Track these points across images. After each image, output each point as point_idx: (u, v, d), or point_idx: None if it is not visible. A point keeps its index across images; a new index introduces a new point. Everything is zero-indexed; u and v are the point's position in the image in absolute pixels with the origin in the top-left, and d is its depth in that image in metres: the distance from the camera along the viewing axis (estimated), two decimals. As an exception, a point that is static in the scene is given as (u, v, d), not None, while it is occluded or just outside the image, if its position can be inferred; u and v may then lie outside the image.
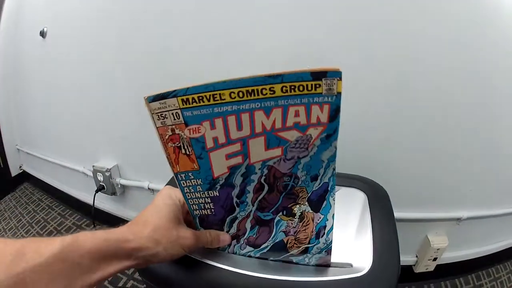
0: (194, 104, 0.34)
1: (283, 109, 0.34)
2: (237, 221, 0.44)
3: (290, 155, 0.38)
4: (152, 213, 0.39)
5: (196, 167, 0.39)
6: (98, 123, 1.13)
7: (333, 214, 0.42)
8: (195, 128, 0.36)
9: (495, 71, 0.88)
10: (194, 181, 0.40)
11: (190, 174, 0.40)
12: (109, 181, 1.09)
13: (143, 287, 1.08)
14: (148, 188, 1.09)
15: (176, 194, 0.42)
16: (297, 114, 0.34)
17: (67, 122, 1.24)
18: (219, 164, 0.39)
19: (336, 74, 0.31)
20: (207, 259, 0.45)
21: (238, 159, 0.38)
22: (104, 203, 1.26)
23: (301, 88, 0.32)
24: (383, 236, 0.49)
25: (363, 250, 0.47)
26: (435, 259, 1.07)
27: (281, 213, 0.43)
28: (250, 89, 0.33)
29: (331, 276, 0.42)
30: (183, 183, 0.40)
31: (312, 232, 0.44)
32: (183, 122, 0.35)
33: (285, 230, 0.44)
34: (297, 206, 0.42)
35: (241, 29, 0.84)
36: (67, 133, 1.27)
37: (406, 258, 1.12)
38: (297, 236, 0.44)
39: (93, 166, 1.11)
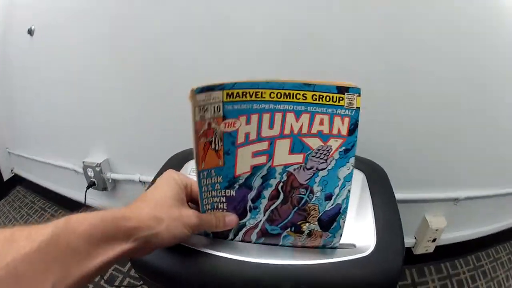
0: (238, 99, 0.36)
1: (310, 115, 0.38)
2: (244, 229, 0.45)
3: (310, 164, 0.41)
4: (153, 192, 0.37)
5: (221, 163, 0.40)
6: (87, 118, 1.11)
7: (341, 233, 0.44)
8: (232, 122, 0.38)
9: (489, 58, 0.88)
10: (214, 179, 0.41)
11: (212, 171, 0.41)
12: (100, 176, 1.07)
13: (140, 284, 1.06)
14: (139, 181, 1.07)
15: (179, 176, 0.41)
16: (321, 122, 0.38)
17: (56, 120, 1.22)
18: (244, 162, 0.40)
19: (356, 91, 0.37)
20: (205, 248, 0.43)
21: (262, 159, 0.40)
22: (95, 199, 1.24)
23: (327, 98, 0.37)
24: (385, 215, 0.49)
25: (366, 230, 0.46)
26: (434, 240, 1.07)
27: (289, 229, 0.44)
28: (287, 92, 0.37)
29: (336, 257, 0.42)
30: (203, 181, 0.41)
31: (318, 244, 0.45)
32: (221, 115, 0.37)
33: (291, 243, 0.45)
34: (307, 224, 0.44)
35: (235, 10, 0.82)
36: (56, 131, 1.25)
37: (405, 240, 1.11)
38: (304, 246, 0.46)
39: (83, 162, 1.09)
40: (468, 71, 0.88)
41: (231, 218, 0.42)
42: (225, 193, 0.42)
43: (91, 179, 1.09)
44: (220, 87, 0.35)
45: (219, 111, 0.37)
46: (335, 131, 0.39)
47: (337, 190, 0.42)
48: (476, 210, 1.13)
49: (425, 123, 0.93)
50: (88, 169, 1.08)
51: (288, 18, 0.81)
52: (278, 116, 0.38)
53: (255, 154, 0.40)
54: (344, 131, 0.39)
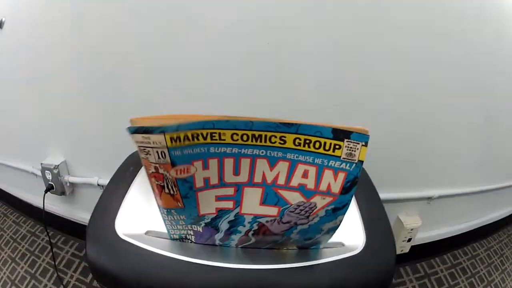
0: (186, 143, 0.28)
1: (290, 164, 0.29)
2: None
3: (286, 219, 0.33)
4: None
5: (180, 205, 0.34)
6: (44, 117, 1.04)
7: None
8: (184, 168, 0.30)
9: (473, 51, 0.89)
10: (177, 216, 0.36)
11: (173, 211, 0.35)
12: (58, 179, 1.00)
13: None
14: (98, 184, 1.01)
15: None
16: (305, 174, 0.30)
17: (14, 119, 1.14)
18: (207, 204, 0.34)
19: (362, 138, 0.27)
20: (177, 253, 0.38)
21: (228, 204, 0.34)
22: (55, 205, 1.17)
23: (317, 144, 0.28)
24: (371, 212, 0.46)
25: (353, 228, 0.43)
26: (409, 239, 1.05)
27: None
28: (257, 133, 0.28)
29: (324, 258, 0.38)
30: (165, 216, 0.36)
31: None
32: (169, 162, 0.29)
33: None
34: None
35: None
36: (15, 131, 1.17)
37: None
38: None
39: (41, 163, 1.02)
40: (440, 70, 0.88)
41: None
42: (191, 227, 0.37)
43: (49, 182, 1.02)
44: (160, 129, 0.27)
45: (164, 158, 0.29)
46: (323, 187, 0.30)
47: (318, 236, 0.36)
48: (450, 208, 1.13)
49: (397, 123, 0.91)
50: (46, 171, 1.01)
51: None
52: (245, 162, 0.30)
53: (219, 198, 0.33)
54: (335, 189, 0.30)
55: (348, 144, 0.27)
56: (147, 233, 0.42)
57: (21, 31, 1.00)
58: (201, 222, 0.36)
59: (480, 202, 1.19)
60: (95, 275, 0.41)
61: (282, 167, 0.30)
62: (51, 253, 1.10)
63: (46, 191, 1.02)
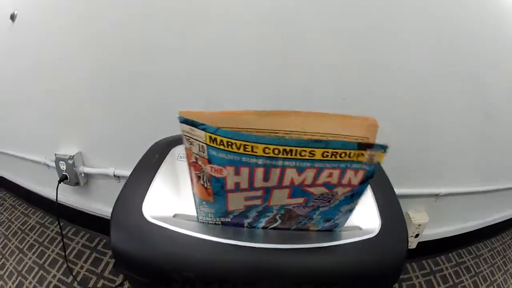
0: (222, 147, 0.30)
1: (317, 170, 0.32)
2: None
3: (311, 204, 0.37)
4: None
5: (211, 200, 0.37)
6: (58, 109, 1.05)
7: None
8: (218, 169, 0.32)
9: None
10: (206, 209, 0.39)
11: (204, 203, 0.38)
12: (73, 169, 1.01)
13: (116, 286, 1.00)
14: (114, 175, 1.01)
15: None
16: (330, 175, 0.33)
17: (26, 111, 1.15)
18: (236, 202, 0.37)
19: (382, 148, 0.31)
20: (197, 232, 0.40)
21: (257, 201, 0.36)
22: (67, 196, 1.17)
23: (343, 155, 0.31)
24: (386, 200, 0.49)
25: (369, 213, 0.46)
26: (417, 235, 1.07)
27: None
28: (288, 148, 0.30)
29: (344, 239, 0.40)
30: (196, 203, 0.40)
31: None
32: (206, 158, 0.32)
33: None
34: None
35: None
36: (27, 122, 1.18)
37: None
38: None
39: (55, 154, 1.03)
40: (446, 70, 0.89)
41: None
42: (219, 220, 0.41)
43: (63, 173, 1.03)
44: (202, 126, 0.30)
45: (203, 152, 0.31)
46: (344, 181, 0.34)
47: (337, 217, 0.40)
48: (456, 206, 1.14)
49: (406, 119, 0.92)
50: (61, 162, 1.02)
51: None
52: (274, 171, 0.32)
53: (248, 198, 0.36)
54: (355, 182, 0.34)
55: (371, 152, 0.31)
56: (175, 216, 0.43)
57: (34, 24, 1.00)
58: (229, 215, 0.39)
59: (485, 202, 1.20)
60: (119, 261, 0.41)
61: (310, 173, 0.32)
62: (61, 244, 1.09)
63: (60, 181, 1.03)
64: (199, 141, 0.31)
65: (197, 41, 0.83)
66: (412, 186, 1.02)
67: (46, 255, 1.09)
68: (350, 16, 0.80)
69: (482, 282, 1.10)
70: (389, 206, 0.48)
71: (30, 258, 1.08)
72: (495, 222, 1.28)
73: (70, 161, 1.01)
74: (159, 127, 0.62)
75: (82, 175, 1.06)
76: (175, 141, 0.59)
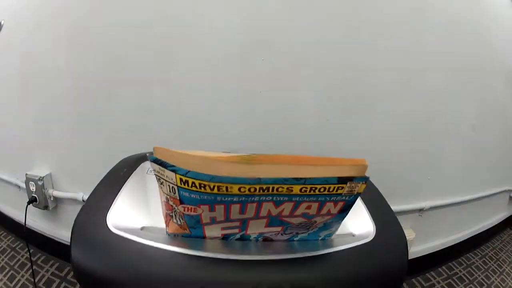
0: (194, 189, 0.29)
1: (295, 204, 0.32)
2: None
3: (289, 231, 0.37)
4: None
5: (187, 232, 0.35)
6: (31, 128, 1.01)
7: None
8: (191, 208, 0.31)
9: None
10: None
11: (179, 235, 0.37)
12: (42, 192, 0.96)
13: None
14: (83, 200, 0.96)
15: None
16: (308, 207, 0.32)
17: (1, 127, 1.10)
18: (214, 232, 0.36)
19: (363, 179, 0.31)
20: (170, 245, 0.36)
21: (234, 230, 0.36)
22: (37, 221, 1.11)
23: (322, 189, 0.30)
24: (377, 207, 0.46)
25: (362, 220, 0.43)
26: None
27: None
28: (265, 186, 0.29)
29: (337, 246, 0.37)
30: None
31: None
32: (178, 198, 0.31)
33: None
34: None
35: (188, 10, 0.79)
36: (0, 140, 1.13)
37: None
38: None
39: (26, 174, 0.98)
40: (427, 85, 0.92)
41: None
42: None
43: (33, 195, 0.97)
44: (172, 168, 0.29)
45: (174, 193, 0.30)
46: (323, 212, 0.33)
47: (318, 240, 0.39)
48: (442, 219, 1.14)
49: (385, 134, 0.93)
50: (31, 182, 0.96)
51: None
52: (251, 206, 0.31)
53: (225, 228, 0.35)
54: (334, 211, 0.33)
55: (351, 184, 0.31)
56: (142, 229, 0.39)
57: (14, 38, 0.98)
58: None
59: (471, 211, 1.20)
60: (81, 279, 0.36)
61: (287, 206, 0.32)
62: (30, 270, 1.03)
63: (28, 203, 0.97)
64: (170, 182, 0.30)
65: (175, 64, 0.82)
66: (394, 203, 1.01)
67: (16, 279, 1.03)
68: (332, 34, 0.81)
69: (479, 287, 1.08)
70: (381, 210, 0.46)
71: (1, 280, 1.03)
72: (483, 230, 1.28)
73: (40, 182, 0.95)
74: (134, 152, 0.59)
75: (52, 198, 1.00)
76: (145, 157, 0.57)
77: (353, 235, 0.41)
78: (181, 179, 0.29)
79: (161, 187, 0.32)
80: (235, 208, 0.31)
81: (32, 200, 0.97)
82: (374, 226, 0.41)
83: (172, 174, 0.29)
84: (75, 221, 0.39)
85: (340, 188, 0.30)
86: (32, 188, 0.97)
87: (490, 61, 1.06)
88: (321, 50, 0.81)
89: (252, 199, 0.30)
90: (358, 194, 0.32)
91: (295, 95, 0.84)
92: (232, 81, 0.82)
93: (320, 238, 0.38)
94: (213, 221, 0.33)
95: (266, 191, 0.29)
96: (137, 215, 0.41)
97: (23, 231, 0.99)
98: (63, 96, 0.93)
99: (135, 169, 0.50)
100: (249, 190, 0.29)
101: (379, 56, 0.85)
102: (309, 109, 0.85)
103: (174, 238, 0.37)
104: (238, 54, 0.80)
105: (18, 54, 0.98)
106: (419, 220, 1.07)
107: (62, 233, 1.08)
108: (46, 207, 1.00)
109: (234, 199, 0.30)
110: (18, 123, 1.05)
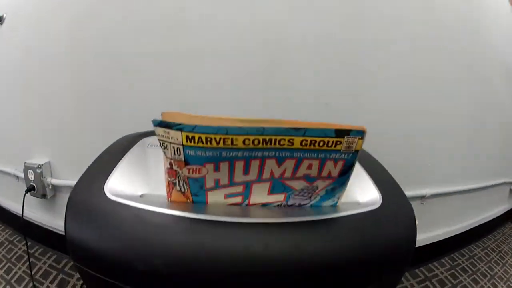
0: (200, 145, 0.30)
1: (296, 161, 0.32)
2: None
3: (291, 201, 0.36)
4: None
5: (189, 201, 0.35)
6: (30, 117, 1.00)
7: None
8: (196, 168, 0.32)
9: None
10: None
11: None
12: (40, 180, 0.95)
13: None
14: None
15: None
16: (309, 167, 0.33)
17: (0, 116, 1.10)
18: (216, 201, 0.35)
19: (359, 133, 0.31)
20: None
21: (237, 199, 0.35)
22: (34, 212, 1.09)
23: (321, 143, 0.31)
24: (381, 176, 0.45)
25: (366, 188, 0.42)
26: (406, 241, 1.03)
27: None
28: (267, 138, 0.30)
29: (344, 212, 0.36)
30: None
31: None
32: (183, 160, 0.31)
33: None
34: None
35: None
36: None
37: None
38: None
39: (24, 163, 0.97)
40: (430, 75, 0.92)
41: None
42: None
43: (31, 183, 0.96)
44: (178, 127, 0.29)
45: (179, 154, 0.31)
46: (324, 174, 0.33)
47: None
48: (444, 208, 1.13)
49: (388, 118, 0.93)
50: (29, 170, 0.95)
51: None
52: (254, 163, 0.32)
53: (228, 196, 0.35)
54: (335, 173, 0.33)
55: (348, 139, 0.31)
56: (142, 196, 0.38)
57: (14, 30, 0.99)
58: None
59: (472, 201, 1.20)
60: (75, 249, 0.34)
61: (289, 164, 0.32)
62: (28, 263, 1.01)
63: (26, 191, 0.96)
64: (174, 143, 0.30)
65: (177, 48, 0.82)
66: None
67: (13, 272, 1.02)
68: (334, 24, 0.81)
69: (482, 278, 1.07)
70: (385, 180, 0.45)
71: (-2, 272, 1.01)
72: (484, 221, 1.28)
73: (38, 170, 0.94)
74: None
75: (50, 186, 0.99)
76: (146, 134, 0.56)
77: (359, 204, 0.40)
78: (187, 136, 0.29)
79: (165, 152, 0.31)
80: (239, 166, 0.31)
81: (30, 189, 0.96)
82: (380, 195, 0.40)
83: (177, 134, 0.29)
84: (70, 193, 0.38)
85: (338, 142, 0.31)
86: (31, 176, 0.96)
87: (490, 58, 1.07)
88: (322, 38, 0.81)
89: (256, 154, 0.30)
90: (356, 152, 0.32)
91: (295, 77, 0.84)
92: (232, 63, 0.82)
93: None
94: (217, 185, 0.33)
95: (269, 143, 0.30)
96: (137, 183, 0.39)
97: (20, 223, 0.98)
98: (62, 86, 0.93)
99: (136, 143, 0.50)
100: (253, 142, 0.29)
101: (380, 55, 0.86)
102: (308, 93, 0.85)
103: (176, 204, 0.36)
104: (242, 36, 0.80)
105: (18, 46, 0.98)
106: (421, 209, 1.06)
107: (60, 224, 1.06)
108: (44, 196, 0.99)
109: (239, 154, 0.30)
110: (16, 113, 1.04)
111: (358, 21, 0.82)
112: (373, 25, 0.83)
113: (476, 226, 1.24)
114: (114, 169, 0.41)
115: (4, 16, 1.02)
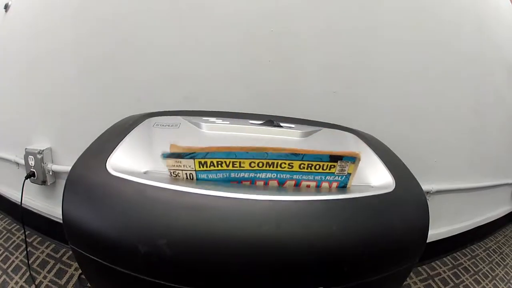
0: (212, 168, 0.34)
1: (296, 182, 0.36)
2: None
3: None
4: None
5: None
6: (34, 103, 0.99)
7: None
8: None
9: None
10: None
11: None
12: (41, 166, 0.93)
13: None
14: None
15: None
16: (307, 187, 0.36)
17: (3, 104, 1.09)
18: None
19: (351, 159, 0.35)
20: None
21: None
22: (34, 200, 1.08)
23: (317, 167, 0.35)
24: (394, 162, 0.46)
25: (380, 173, 0.42)
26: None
27: None
28: (270, 161, 0.34)
29: (358, 193, 0.36)
30: None
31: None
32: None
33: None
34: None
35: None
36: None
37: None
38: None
39: (25, 149, 0.95)
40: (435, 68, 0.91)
41: None
42: None
43: (31, 169, 0.94)
44: (190, 155, 0.33)
45: (192, 179, 0.34)
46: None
47: None
48: (448, 205, 1.12)
49: (395, 111, 0.91)
50: (30, 156, 0.94)
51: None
52: (259, 183, 0.36)
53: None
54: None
55: (341, 163, 0.35)
56: (146, 173, 0.36)
57: (16, 17, 0.98)
58: None
59: (474, 200, 1.19)
60: (71, 230, 0.33)
61: (289, 184, 0.36)
62: (25, 252, 1.00)
63: (26, 177, 0.94)
64: (187, 170, 0.34)
65: (182, 35, 0.80)
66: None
67: (10, 261, 1.00)
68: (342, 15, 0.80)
69: (484, 278, 1.06)
70: (397, 165, 0.45)
71: (-6, 261, 1.00)
72: (486, 222, 1.26)
73: (39, 156, 0.93)
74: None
75: (50, 173, 0.97)
76: (151, 114, 0.55)
77: (372, 187, 0.40)
78: (200, 162, 0.33)
79: (177, 179, 0.35)
80: (246, 184, 0.35)
81: (30, 175, 0.94)
82: (393, 179, 0.39)
83: (190, 161, 0.33)
84: (70, 170, 0.37)
85: (332, 166, 0.35)
86: (31, 162, 0.94)
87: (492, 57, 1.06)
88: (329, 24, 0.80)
89: (260, 175, 0.35)
90: (349, 175, 0.35)
91: (302, 64, 0.82)
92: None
93: None
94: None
95: (271, 166, 0.35)
96: (142, 160, 0.38)
97: (19, 211, 0.97)
98: (65, 71, 0.91)
99: (141, 122, 0.48)
100: (258, 165, 0.34)
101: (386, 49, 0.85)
102: (316, 81, 0.84)
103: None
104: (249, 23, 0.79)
105: (23, 33, 0.97)
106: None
107: (59, 212, 1.04)
108: (44, 182, 0.97)
109: (245, 175, 0.35)
110: (17, 100, 1.03)
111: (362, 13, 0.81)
112: (376, 18, 0.82)
113: (478, 226, 1.23)
114: (118, 145, 0.40)
115: (10, 3, 1.03)
